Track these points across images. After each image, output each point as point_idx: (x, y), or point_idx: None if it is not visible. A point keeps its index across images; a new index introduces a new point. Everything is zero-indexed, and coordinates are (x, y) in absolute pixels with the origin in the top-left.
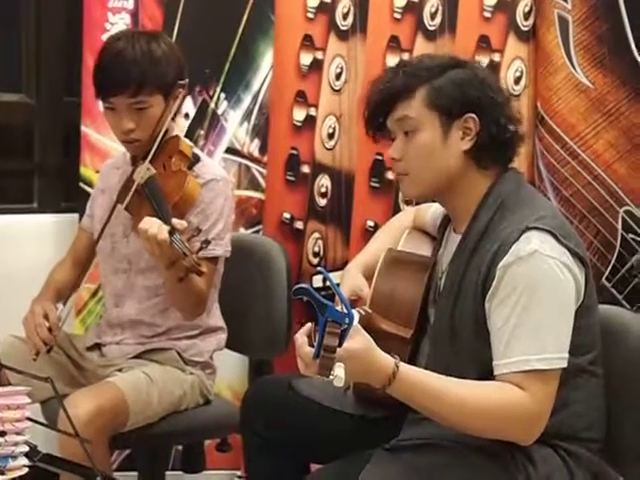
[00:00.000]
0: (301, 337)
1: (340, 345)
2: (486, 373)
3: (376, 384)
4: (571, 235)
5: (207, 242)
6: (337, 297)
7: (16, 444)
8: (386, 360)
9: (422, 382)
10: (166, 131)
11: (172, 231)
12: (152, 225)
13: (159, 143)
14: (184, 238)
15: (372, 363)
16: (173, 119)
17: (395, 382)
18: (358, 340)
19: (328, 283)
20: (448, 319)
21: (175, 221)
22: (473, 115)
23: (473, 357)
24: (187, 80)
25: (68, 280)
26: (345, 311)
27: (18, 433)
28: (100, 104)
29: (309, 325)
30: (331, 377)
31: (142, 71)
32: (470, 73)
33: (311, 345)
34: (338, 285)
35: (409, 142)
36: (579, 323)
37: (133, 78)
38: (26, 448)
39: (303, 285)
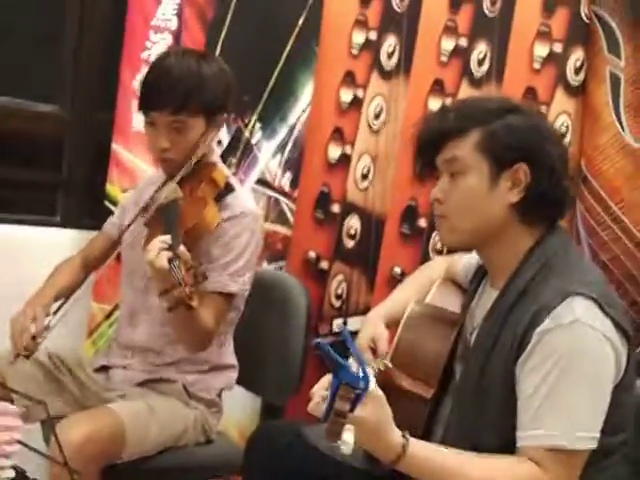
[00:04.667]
0: (318, 392)
1: (352, 411)
2: (508, 442)
3: (382, 459)
4: (617, 305)
5: (204, 277)
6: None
7: (1, 468)
8: (395, 438)
9: (431, 461)
10: (203, 156)
11: (173, 258)
12: (153, 250)
13: (191, 167)
14: (183, 267)
15: (380, 439)
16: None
17: (402, 461)
18: (370, 410)
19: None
20: (476, 378)
21: (180, 250)
22: (524, 166)
23: (497, 422)
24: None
25: (72, 281)
26: (361, 374)
27: (5, 456)
28: (134, 121)
29: (327, 378)
30: (339, 443)
31: (187, 89)
32: (526, 119)
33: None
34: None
35: (454, 184)
36: (616, 401)
37: (176, 95)
38: (12, 473)
39: (321, 342)
